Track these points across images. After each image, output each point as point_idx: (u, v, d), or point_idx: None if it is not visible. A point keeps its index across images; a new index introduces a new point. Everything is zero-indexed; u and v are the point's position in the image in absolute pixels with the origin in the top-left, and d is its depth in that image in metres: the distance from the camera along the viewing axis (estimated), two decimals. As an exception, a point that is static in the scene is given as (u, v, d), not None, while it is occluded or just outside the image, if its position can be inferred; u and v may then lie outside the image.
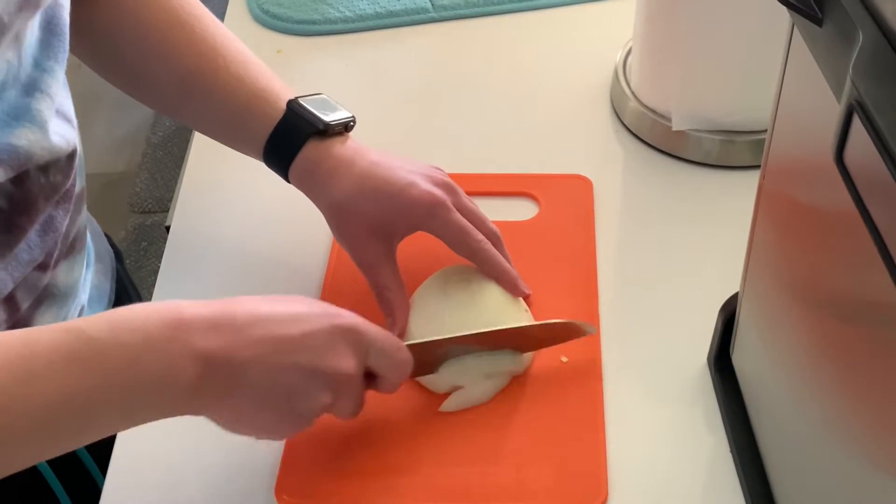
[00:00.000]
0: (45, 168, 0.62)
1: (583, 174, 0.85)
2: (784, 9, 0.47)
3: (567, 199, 0.83)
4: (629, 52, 0.93)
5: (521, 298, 0.73)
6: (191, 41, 0.73)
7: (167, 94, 0.75)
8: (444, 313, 0.70)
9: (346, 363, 0.58)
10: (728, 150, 0.85)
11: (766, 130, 0.57)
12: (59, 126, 0.64)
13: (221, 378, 0.54)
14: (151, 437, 0.56)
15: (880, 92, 0.37)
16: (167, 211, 1.71)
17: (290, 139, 0.72)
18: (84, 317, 0.53)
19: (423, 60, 1.00)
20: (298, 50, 1.01)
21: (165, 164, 2.21)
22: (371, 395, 0.64)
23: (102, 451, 0.66)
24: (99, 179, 2.15)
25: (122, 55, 0.74)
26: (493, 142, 0.90)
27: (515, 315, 0.71)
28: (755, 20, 0.77)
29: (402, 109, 0.95)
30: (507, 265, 0.72)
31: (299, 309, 0.59)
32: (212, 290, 0.78)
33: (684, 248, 0.80)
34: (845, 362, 0.48)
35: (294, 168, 0.72)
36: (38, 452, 0.52)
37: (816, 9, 0.44)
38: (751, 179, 0.62)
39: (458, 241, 0.71)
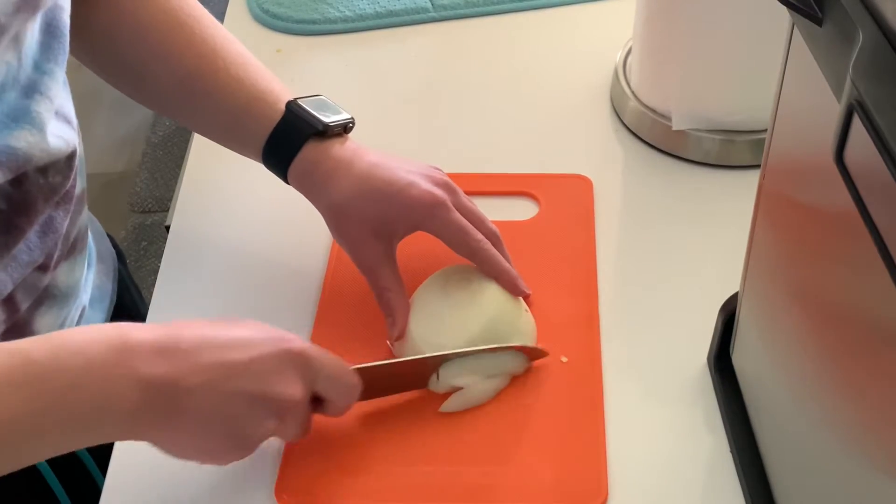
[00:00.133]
0: (43, 169, 0.62)
1: (583, 174, 0.85)
2: (784, 9, 0.47)
3: (567, 198, 0.83)
4: (629, 52, 0.93)
5: (521, 298, 0.73)
6: (190, 43, 0.73)
7: (167, 96, 0.75)
8: (444, 313, 0.70)
9: (294, 389, 0.58)
10: (728, 149, 0.85)
11: (766, 130, 0.57)
12: (57, 128, 0.64)
13: (164, 404, 0.54)
14: (151, 437, 0.56)
15: (880, 92, 0.37)
16: (167, 211, 1.71)
17: (289, 140, 0.72)
18: (31, 337, 0.53)
19: (423, 60, 1.00)
20: (298, 50, 1.01)
21: (165, 163, 2.21)
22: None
23: (103, 451, 0.66)
24: (99, 179, 2.15)
25: (121, 56, 0.74)
26: (493, 142, 0.90)
27: (515, 315, 0.71)
28: (755, 20, 0.77)
29: (402, 109, 0.95)
30: (507, 265, 0.72)
31: (247, 334, 0.58)
32: (212, 290, 0.78)
33: (684, 248, 0.80)
34: (845, 362, 0.48)
35: (293, 169, 0.72)
36: None
37: (816, 9, 0.44)
38: (751, 179, 0.62)
39: (458, 241, 0.71)
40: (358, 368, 0.64)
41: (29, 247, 0.63)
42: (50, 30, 0.63)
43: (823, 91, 0.44)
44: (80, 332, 0.53)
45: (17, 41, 0.59)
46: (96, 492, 0.66)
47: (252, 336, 0.58)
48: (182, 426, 0.55)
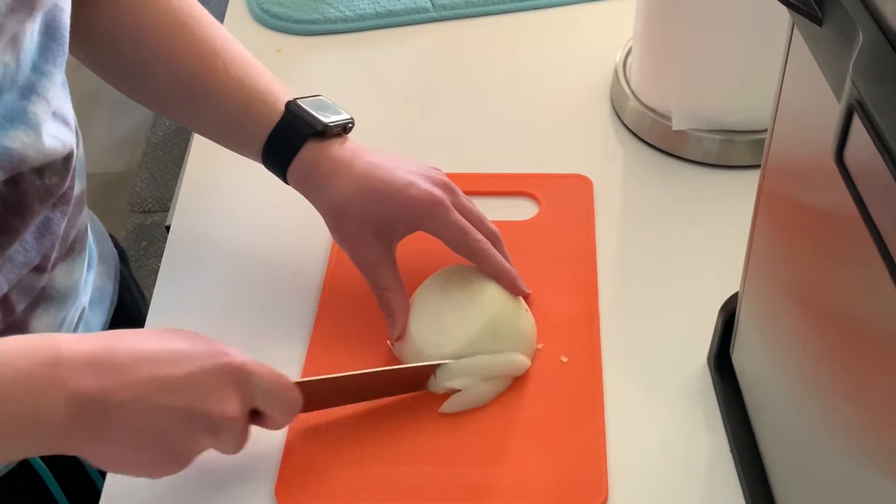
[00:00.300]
0: (39, 170, 0.62)
1: (583, 174, 0.85)
2: (784, 9, 0.47)
3: (567, 198, 0.83)
4: (629, 52, 0.93)
5: (521, 298, 0.73)
6: (190, 43, 0.73)
7: (167, 96, 0.75)
8: (444, 313, 0.70)
9: (230, 405, 0.57)
10: (728, 149, 0.85)
11: (766, 130, 0.57)
12: (54, 128, 0.64)
13: (95, 418, 0.53)
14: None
15: (880, 92, 0.37)
16: (167, 211, 1.71)
17: (289, 140, 0.72)
18: None
19: (423, 60, 1.00)
20: (298, 50, 1.01)
21: (165, 164, 2.21)
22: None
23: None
24: (99, 179, 2.15)
25: (121, 57, 0.74)
26: (493, 141, 0.90)
27: (515, 315, 0.71)
28: (755, 20, 0.77)
29: (402, 109, 0.95)
30: (507, 264, 0.72)
31: (185, 347, 0.57)
32: (212, 290, 0.78)
33: (684, 248, 0.80)
34: (845, 362, 0.48)
35: (292, 170, 0.72)
36: None
37: (816, 9, 0.44)
38: (751, 179, 0.62)
39: (458, 241, 0.71)
40: (300, 383, 0.62)
41: (25, 248, 0.63)
42: (49, 31, 0.62)
43: (823, 91, 0.44)
44: (12, 343, 0.52)
45: (15, 42, 0.59)
46: (96, 493, 0.66)
47: (190, 350, 0.57)
48: (113, 440, 0.54)
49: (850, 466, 0.48)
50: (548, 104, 0.94)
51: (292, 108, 0.72)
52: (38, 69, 0.61)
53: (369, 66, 1.00)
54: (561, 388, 0.70)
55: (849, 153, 0.40)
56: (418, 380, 0.69)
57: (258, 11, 1.05)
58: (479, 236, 0.71)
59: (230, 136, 0.76)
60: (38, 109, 0.61)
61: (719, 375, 0.69)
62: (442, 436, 0.67)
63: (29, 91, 0.61)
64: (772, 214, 0.59)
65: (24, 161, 0.60)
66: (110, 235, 0.86)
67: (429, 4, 1.05)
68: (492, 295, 0.71)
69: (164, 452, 0.57)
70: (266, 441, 0.67)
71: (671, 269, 0.78)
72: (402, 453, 0.66)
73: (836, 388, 0.49)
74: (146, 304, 0.91)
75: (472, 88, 0.96)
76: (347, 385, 0.67)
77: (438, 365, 0.68)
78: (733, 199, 0.77)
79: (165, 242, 0.82)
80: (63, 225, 0.67)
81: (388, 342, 0.72)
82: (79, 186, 0.69)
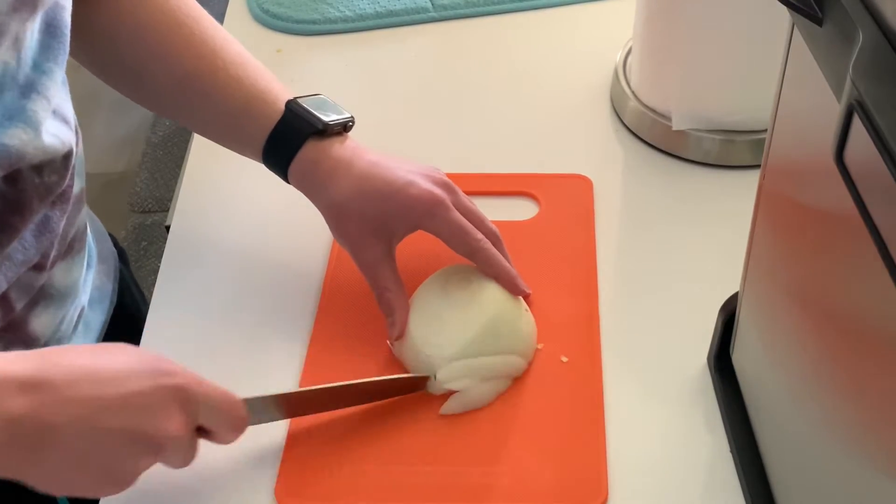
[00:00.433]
0: (39, 168, 0.62)
1: (583, 174, 0.85)
2: (784, 9, 0.47)
3: (567, 198, 0.83)
4: (629, 52, 0.93)
5: (521, 298, 0.73)
6: (189, 43, 0.73)
7: (166, 96, 0.75)
8: (444, 313, 0.70)
9: (173, 425, 0.55)
10: (728, 149, 0.85)
11: (766, 130, 0.57)
12: (54, 126, 0.63)
13: (31, 440, 0.51)
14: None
15: (880, 92, 0.37)
16: (167, 211, 1.71)
17: (289, 139, 0.72)
18: None
19: (423, 60, 1.00)
20: (298, 50, 1.01)
21: (165, 164, 2.21)
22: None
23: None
24: (99, 179, 2.15)
25: (120, 57, 0.74)
26: (493, 142, 0.90)
27: (515, 314, 0.71)
28: (755, 20, 0.77)
29: (402, 109, 0.95)
30: (507, 264, 0.72)
31: (124, 366, 0.55)
32: (212, 290, 0.78)
33: (684, 248, 0.80)
34: (845, 362, 0.48)
35: (293, 169, 0.72)
36: None
37: (816, 9, 0.44)
38: (751, 179, 0.62)
39: (458, 240, 0.71)
40: (247, 399, 0.61)
41: (24, 246, 0.63)
42: (50, 30, 0.62)
43: (823, 91, 0.44)
44: None
45: (16, 41, 0.59)
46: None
47: (130, 368, 0.55)
48: (52, 462, 0.52)
49: (850, 466, 0.48)
50: (548, 104, 0.94)
51: (293, 106, 0.72)
52: (39, 67, 0.61)
53: (369, 66, 1.00)
54: (561, 388, 0.70)
55: (849, 153, 0.40)
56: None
57: (258, 11, 1.05)
58: (480, 236, 0.71)
59: (230, 135, 0.76)
60: (38, 107, 0.61)
61: (719, 375, 0.69)
62: (442, 436, 0.67)
63: (29, 89, 0.60)
64: (772, 214, 0.59)
65: (22, 158, 0.60)
66: (110, 235, 0.86)
67: (429, 4, 1.05)
68: (492, 295, 0.71)
69: (106, 473, 0.55)
70: (266, 441, 0.67)
71: (671, 269, 0.78)
72: (402, 453, 0.66)
73: (836, 388, 0.49)
74: (146, 304, 0.91)
75: (472, 88, 0.96)
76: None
77: (428, 372, 0.68)
78: (733, 199, 0.77)
79: (165, 242, 0.82)
80: (62, 223, 0.67)
81: (388, 342, 0.72)
82: (78, 185, 0.69)
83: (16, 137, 0.59)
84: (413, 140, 0.91)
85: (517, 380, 0.70)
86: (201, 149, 0.90)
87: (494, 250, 0.72)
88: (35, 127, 0.61)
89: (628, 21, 0.90)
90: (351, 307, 0.75)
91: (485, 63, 0.99)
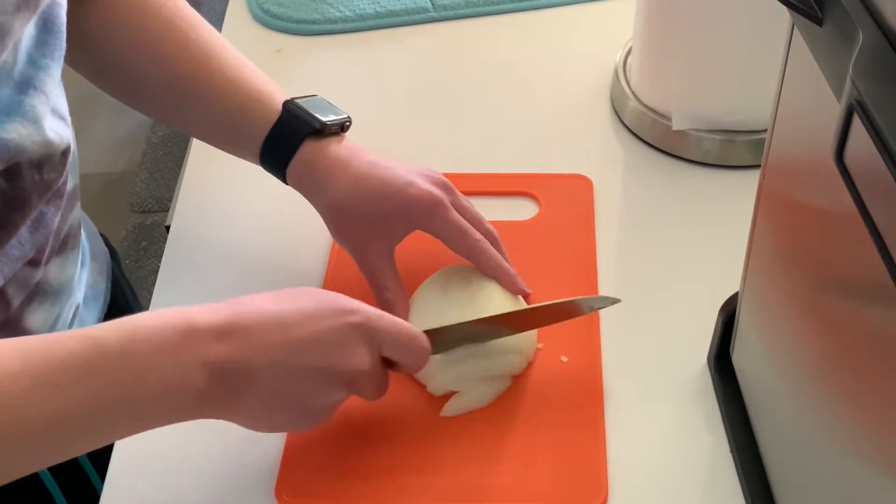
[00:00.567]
0: (39, 165, 0.62)
1: (583, 174, 0.85)
2: (784, 9, 0.47)
3: (567, 198, 0.83)
4: (629, 52, 0.93)
5: (521, 298, 0.73)
6: (184, 46, 0.73)
7: (162, 100, 0.75)
8: (444, 313, 0.70)
9: (360, 360, 0.59)
10: (728, 149, 0.85)
11: (766, 130, 0.57)
12: (53, 123, 0.64)
13: (232, 385, 0.55)
14: (150, 438, 0.56)
15: (880, 92, 0.37)
16: (167, 211, 1.71)
17: (287, 140, 0.72)
18: (100, 324, 0.54)
19: (423, 60, 1.00)
20: (298, 50, 1.01)
21: (165, 164, 2.21)
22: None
23: (101, 455, 0.66)
24: (99, 179, 2.15)
25: (115, 62, 0.74)
26: (493, 142, 0.90)
27: (515, 315, 0.71)
28: (755, 20, 0.77)
29: (402, 109, 0.95)
30: (507, 264, 0.72)
31: (309, 306, 0.58)
32: (212, 290, 0.78)
33: (684, 248, 0.80)
34: (845, 362, 0.48)
35: (291, 169, 0.72)
36: (45, 458, 0.53)
37: (816, 9, 0.44)
38: (751, 179, 0.62)
39: (457, 240, 0.71)
40: (432, 330, 0.64)
41: (20, 241, 0.63)
42: (46, 26, 0.62)
43: (823, 91, 0.44)
44: (147, 318, 0.54)
45: (15, 39, 0.59)
46: (95, 496, 0.66)
47: (315, 309, 0.58)
48: (251, 404, 0.56)
49: (850, 466, 0.48)
50: (548, 104, 0.94)
51: (290, 107, 0.72)
52: (36, 63, 0.61)
53: (369, 66, 1.00)
54: (561, 388, 0.70)
55: (849, 153, 0.40)
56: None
57: (258, 11, 1.05)
58: (479, 235, 0.71)
59: (227, 137, 0.75)
60: (37, 102, 0.61)
61: (719, 375, 0.69)
62: (442, 436, 0.67)
63: (26, 85, 0.61)
64: (772, 214, 0.59)
65: (22, 152, 0.60)
66: (102, 235, 0.86)
67: (429, 4, 1.05)
68: (492, 295, 0.71)
69: (302, 409, 0.59)
70: (266, 441, 0.67)
71: (671, 269, 0.78)
72: (401, 453, 0.66)
73: (836, 387, 0.49)
74: (138, 303, 0.91)
75: (472, 88, 0.96)
76: (475, 328, 0.68)
77: (428, 372, 0.68)
78: (733, 199, 0.77)
79: (165, 242, 0.82)
80: (57, 219, 0.67)
81: (388, 342, 0.72)
82: (72, 182, 0.69)
83: (14, 132, 0.59)
84: (413, 140, 0.91)
85: (517, 380, 0.70)
86: (201, 149, 0.90)
87: (493, 250, 0.72)
88: (34, 122, 0.61)
89: (628, 21, 0.90)
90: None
91: (485, 63, 0.99)
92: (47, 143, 0.62)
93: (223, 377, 0.54)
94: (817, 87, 0.45)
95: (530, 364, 0.71)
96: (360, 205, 0.71)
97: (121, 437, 0.55)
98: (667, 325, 0.74)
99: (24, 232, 0.64)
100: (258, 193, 0.84)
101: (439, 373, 0.68)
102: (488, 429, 0.67)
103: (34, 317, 0.68)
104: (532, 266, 0.76)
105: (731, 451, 0.66)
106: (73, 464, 0.75)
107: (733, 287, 0.67)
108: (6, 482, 0.51)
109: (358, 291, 0.74)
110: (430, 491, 0.64)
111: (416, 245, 0.74)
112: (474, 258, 0.72)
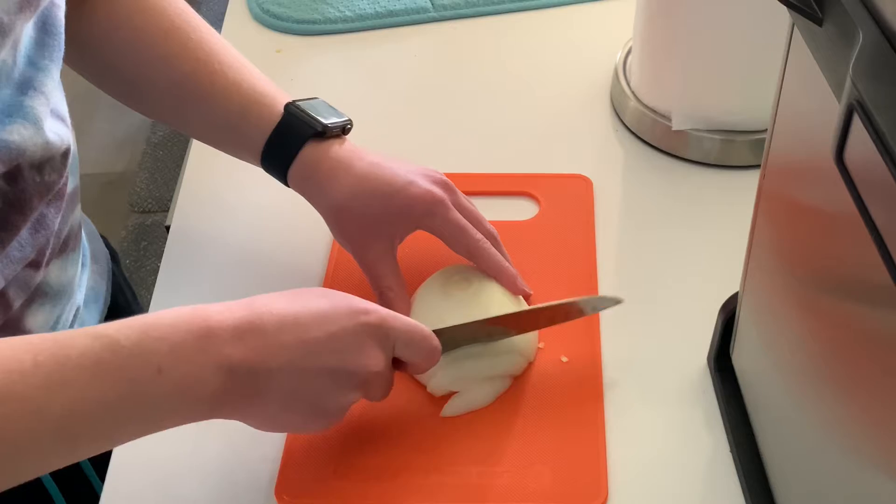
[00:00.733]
0: (39, 166, 0.62)
1: (583, 174, 0.85)
2: (784, 9, 0.47)
3: (567, 198, 0.83)
4: (629, 52, 0.93)
5: (521, 298, 0.73)
6: (186, 47, 0.73)
7: (163, 101, 0.75)
8: (445, 313, 0.70)
9: (374, 361, 0.59)
10: (728, 149, 0.85)
11: (766, 130, 0.57)
12: (53, 125, 0.64)
13: (247, 386, 0.55)
14: (150, 439, 0.56)
15: (880, 92, 0.37)
16: (167, 211, 1.71)
17: (289, 142, 0.72)
18: (114, 322, 0.54)
19: (423, 60, 1.00)
20: (298, 50, 1.01)
21: (165, 164, 2.21)
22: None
23: (101, 456, 0.66)
24: (99, 179, 2.15)
25: (116, 63, 0.74)
26: (493, 141, 0.90)
27: (515, 315, 0.71)
28: (755, 20, 0.77)
29: (402, 109, 0.95)
30: (507, 264, 0.72)
31: (323, 307, 0.58)
32: (212, 290, 0.78)
33: (684, 248, 0.80)
34: (845, 362, 0.48)
35: (293, 172, 0.72)
36: (53, 459, 0.52)
37: (816, 8, 0.44)
38: (751, 179, 0.62)
39: (457, 240, 0.71)
40: (437, 331, 0.64)
41: (21, 243, 0.63)
42: (45, 27, 0.62)
43: (823, 91, 0.44)
44: (163, 317, 0.54)
45: (14, 40, 0.59)
46: (95, 498, 0.66)
47: (329, 309, 0.58)
48: (265, 405, 0.56)
49: (850, 466, 0.48)
50: (548, 104, 0.94)
51: (291, 109, 0.72)
52: (35, 64, 0.61)
53: (369, 66, 1.00)
54: (561, 388, 0.70)
55: (849, 153, 0.40)
56: (557, 317, 0.70)
57: (258, 11, 1.05)
58: (479, 235, 0.71)
59: (228, 138, 0.75)
60: (37, 103, 0.61)
61: (719, 375, 0.69)
62: (442, 436, 0.67)
63: (25, 86, 0.61)
64: (772, 214, 0.59)
65: (23, 153, 0.60)
66: (102, 237, 0.86)
67: (429, 4, 1.05)
68: (492, 295, 0.71)
69: (316, 410, 0.59)
70: (266, 441, 0.67)
71: (671, 268, 0.78)
72: (401, 453, 0.66)
73: (836, 387, 0.49)
74: (138, 305, 0.91)
75: (472, 88, 0.96)
76: (478, 329, 0.68)
77: (429, 372, 0.68)
78: (733, 199, 0.77)
79: (165, 242, 0.82)
80: (57, 221, 0.67)
81: (388, 342, 0.72)
82: (72, 183, 0.69)
83: (15, 133, 0.59)
84: (413, 140, 0.91)
85: (517, 380, 0.70)
86: (201, 149, 0.90)
87: (494, 250, 0.72)
88: (35, 123, 0.61)
89: (628, 21, 0.90)
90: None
91: (485, 63, 0.99)
92: (48, 145, 0.62)
93: (239, 378, 0.54)
94: (817, 87, 0.45)
95: (530, 364, 0.71)
96: (362, 205, 0.71)
97: (132, 437, 0.55)
98: (667, 325, 0.74)
99: (24, 234, 0.64)
100: (258, 193, 0.84)
101: (439, 373, 0.68)
102: (488, 429, 0.67)
103: (35, 318, 0.68)
104: (532, 266, 0.76)
105: (731, 451, 0.66)
106: (73, 465, 0.75)
107: (733, 287, 0.67)
108: (12, 485, 0.51)
109: (358, 291, 0.74)
110: (431, 491, 0.64)
111: (416, 245, 0.74)
112: (475, 258, 0.72)
